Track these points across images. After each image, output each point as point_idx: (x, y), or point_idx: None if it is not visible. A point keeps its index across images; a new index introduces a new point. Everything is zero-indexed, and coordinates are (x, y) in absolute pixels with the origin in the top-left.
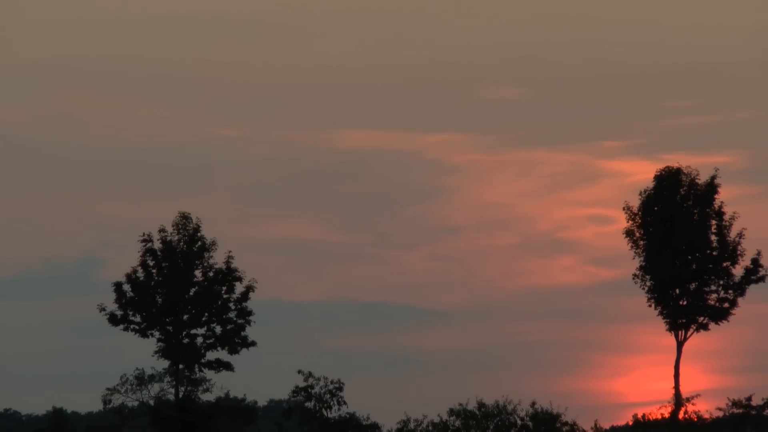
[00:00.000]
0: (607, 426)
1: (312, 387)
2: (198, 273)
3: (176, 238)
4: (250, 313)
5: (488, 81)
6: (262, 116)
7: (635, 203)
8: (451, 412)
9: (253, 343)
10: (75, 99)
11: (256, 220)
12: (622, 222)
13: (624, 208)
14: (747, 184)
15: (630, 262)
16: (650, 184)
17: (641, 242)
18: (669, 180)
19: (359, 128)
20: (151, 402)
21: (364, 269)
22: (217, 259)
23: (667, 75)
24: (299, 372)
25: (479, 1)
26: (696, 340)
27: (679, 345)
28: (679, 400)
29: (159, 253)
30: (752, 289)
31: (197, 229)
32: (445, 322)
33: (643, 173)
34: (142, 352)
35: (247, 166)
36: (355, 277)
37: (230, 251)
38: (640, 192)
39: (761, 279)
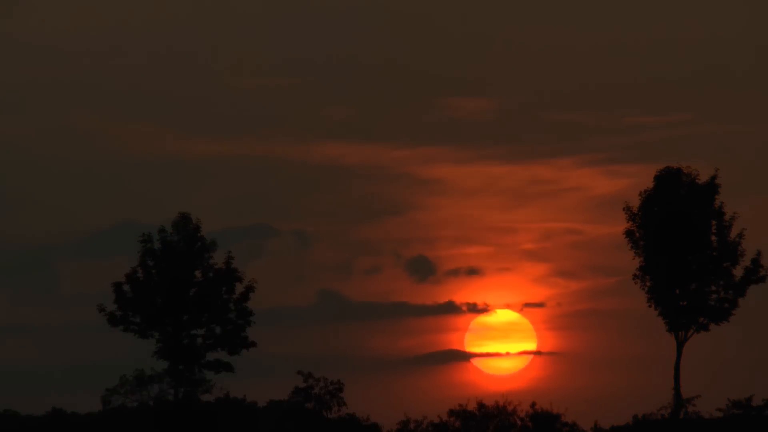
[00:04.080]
0: (607, 426)
1: (312, 388)
2: (198, 273)
3: (176, 238)
4: (250, 314)
5: (451, 94)
6: (238, 131)
7: (635, 204)
8: (451, 412)
9: (253, 344)
10: (73, 115)
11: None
12: (588, 233)
13: (624, 209)
14: None
15: (597, 273)
16: (622, 194)
17: (641, 243)
18: (669, 180)
19: (334, 142)
20: (151, 403)
21: (345, 276)
22: (217, 259)
23: (628, 90)
24: (299, 373)
25: (449, 17)
26: (696, 341)
27: (680, 345)
28: (679, 401)
29: (159, 253)
30: (752, 289)
31: (197, 229)
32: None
33: (601, 187)
34: (141, 353)
35: (225, 179)
36: (337, 283)
37: (230, 251)
38: (640, 192)
39: (761, 279)
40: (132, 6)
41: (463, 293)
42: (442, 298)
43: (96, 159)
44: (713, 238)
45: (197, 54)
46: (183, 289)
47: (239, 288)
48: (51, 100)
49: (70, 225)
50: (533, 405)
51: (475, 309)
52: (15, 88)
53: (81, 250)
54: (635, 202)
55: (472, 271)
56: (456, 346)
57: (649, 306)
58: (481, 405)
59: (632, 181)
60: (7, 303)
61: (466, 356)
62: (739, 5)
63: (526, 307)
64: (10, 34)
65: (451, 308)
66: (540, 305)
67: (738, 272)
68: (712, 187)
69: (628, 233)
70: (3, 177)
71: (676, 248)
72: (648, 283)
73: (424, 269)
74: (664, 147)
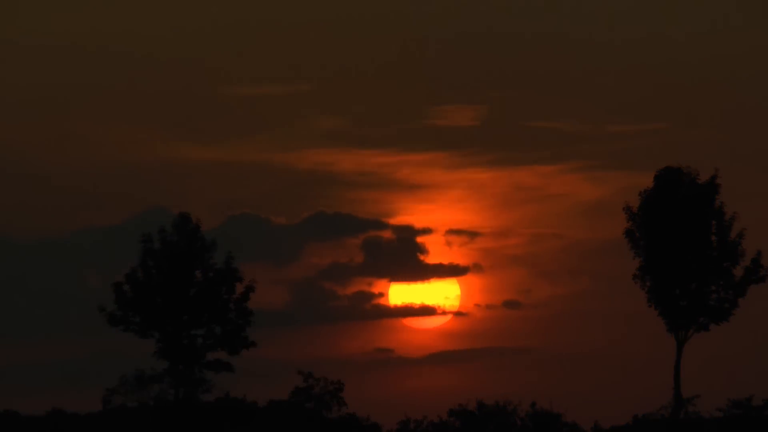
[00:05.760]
0: (607, 426)
1: (312, 388)
2: (198, 273)
3: (176, 238)
4: (250, 314)
5: (438, 103)
6: (232, 138)
7: (635, 203)
8: (451, 412)
9: (253, 344)
10: (71, 120)
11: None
12: (569, 239)
13: (624, 209)
14: None
15: (578, 277)
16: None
17: (641, 243)
18: (669, 180)
19: (325, 149)
20: (151, 403)
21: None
22: (217, 259)
23: (611, 99)
24: (299, 373)
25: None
26: (696, 340)
27: (680, 345)
28: (679, 401)
29: (159, 253)
30: (752, 289)
31: (197, 229)
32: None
33: (585, 194)
34: (141, 353)
35: (213, 184)
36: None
37: (230, 251)
38: (640, 192)
39: (761, 279)
40: (129, 12)
41: (450, 296)
42: (429, 301)
43: (93, 161)
44: (713, 238)
45: (193, 61)
46: (183, 289)
47: (239, 288)
48: (50, 102)
49: (69, 226)
50: (533, 405)
51: (457, 313)
52: (12, 91)
53: (81, 251)
54: (625, 207)
55: (460, 273)
56: (448, 347)
57: (649, 306)
58: (481, 405)
59: (615, 187)
60: (6, 303)
61: (465, 355)
62: (718, 15)
63: (510, 308)
64: (7, 37)
65: (435, 311)
66: (530, 307)
67: (738, 272)
68: (712, 187)
69: (628, 233)
70: (3, 178)
71: (676, 248)
72: (648, 283)
73: (411, 272)
74: (646, 154)
